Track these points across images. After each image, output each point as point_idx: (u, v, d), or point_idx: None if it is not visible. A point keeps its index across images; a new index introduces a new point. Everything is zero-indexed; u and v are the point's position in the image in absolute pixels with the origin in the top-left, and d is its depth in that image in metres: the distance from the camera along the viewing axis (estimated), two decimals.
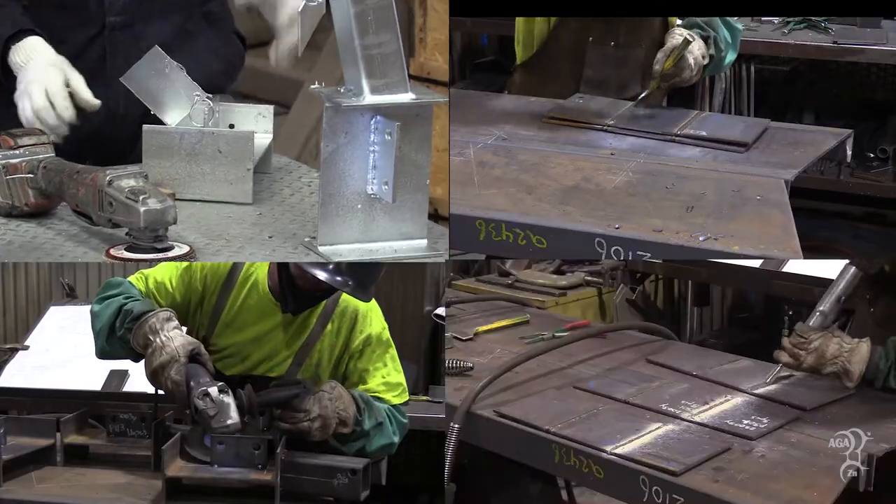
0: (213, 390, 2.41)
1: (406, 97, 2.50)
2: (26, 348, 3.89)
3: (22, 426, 2.67)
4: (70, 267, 5.00)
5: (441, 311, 3.92)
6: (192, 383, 2.43)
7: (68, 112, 2.79)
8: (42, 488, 2.44)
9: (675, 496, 2.17)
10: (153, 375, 2.49)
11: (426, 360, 4.04)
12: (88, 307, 2.70)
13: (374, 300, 2.77)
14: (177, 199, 2.62)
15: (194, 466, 2.44)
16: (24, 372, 3.80)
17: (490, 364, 2.85)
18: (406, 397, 2.79)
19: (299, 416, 2.52)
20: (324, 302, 2.72)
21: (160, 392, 2.52)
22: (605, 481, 2.30)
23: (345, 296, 2.72)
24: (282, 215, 2.74)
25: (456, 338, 3.12)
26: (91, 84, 2.86)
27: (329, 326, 2.73)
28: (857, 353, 2.52)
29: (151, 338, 2.48)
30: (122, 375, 3.64)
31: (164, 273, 2.71)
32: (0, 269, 5.12)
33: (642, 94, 3.16)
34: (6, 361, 3.80)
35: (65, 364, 3.78)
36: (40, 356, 3.87)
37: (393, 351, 2.80)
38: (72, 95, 2.82)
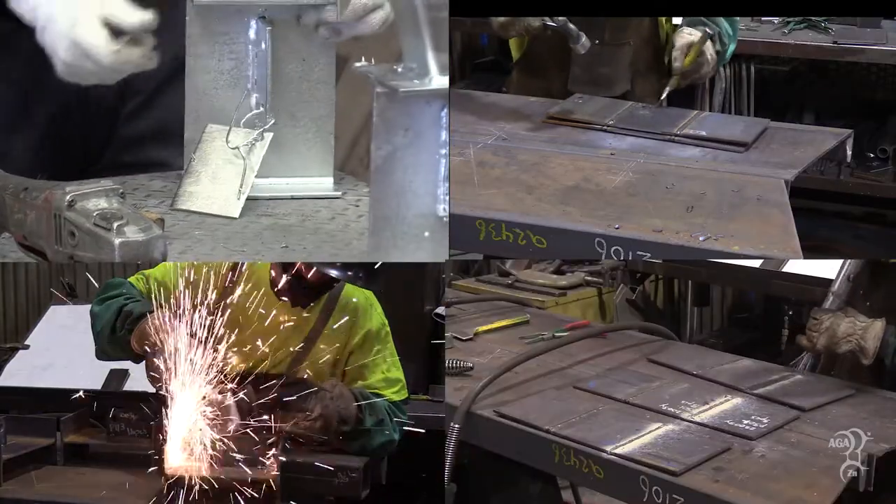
0: (214, 395, 2.42)
1: None
2: (27, 347, 3.89)
3: (22, 425, 2.67)
4: (70, 266, 5.00)
5: (441, 310, 3.92)
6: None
7: (108, 58, 2.17)
8: (42, 488, 2.44)
9: (675, 496, 2.17)
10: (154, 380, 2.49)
11: (426, 359, 4.04)
12: (89, 307, 2.71)
13: (374, 297, 2.77)
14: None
15: (195, 466, 2.44)
16: (25, 371, 3.80)
17: (490, 364, 2.85)
18: (405, 394, 2.79)
19: (301, 416, 2.53)
20: (324, 298, 2.72)
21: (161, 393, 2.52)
22: (605, 481, 2.30)
23: (345, 292, 2.73)
24: (316, 249, 2.34)
25: (456, 338, 3.12)
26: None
27: (329, 322, 2.73)
28: (871, 329, 2.56)
29: (152, 339, 2.48)
30: (122, 375, 3.65)
31: (165, 272, 2.70)
32: (0, 269, 5.13)
33: (664, 94, 3.17)
34: (6, 361, 3.80)
35: (65, 363, 3.78)
36: (40, 355, 3.87)
37: (392, 347, 2.80)
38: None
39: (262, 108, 2.47)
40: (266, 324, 2.69)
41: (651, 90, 3.28)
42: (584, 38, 3.03)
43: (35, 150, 2.63)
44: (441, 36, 1.84)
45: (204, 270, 2.70)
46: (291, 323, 2.71)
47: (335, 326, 2.73)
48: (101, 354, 2.66)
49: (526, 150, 2.89)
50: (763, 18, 4.76)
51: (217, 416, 2.40)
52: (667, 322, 4.54)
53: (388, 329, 2.81)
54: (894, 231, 4.92)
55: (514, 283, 4.81)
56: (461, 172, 2.72)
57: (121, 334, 2.56)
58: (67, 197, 1.90)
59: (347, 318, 2.74)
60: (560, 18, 2.98)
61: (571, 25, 3.01)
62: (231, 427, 2.41)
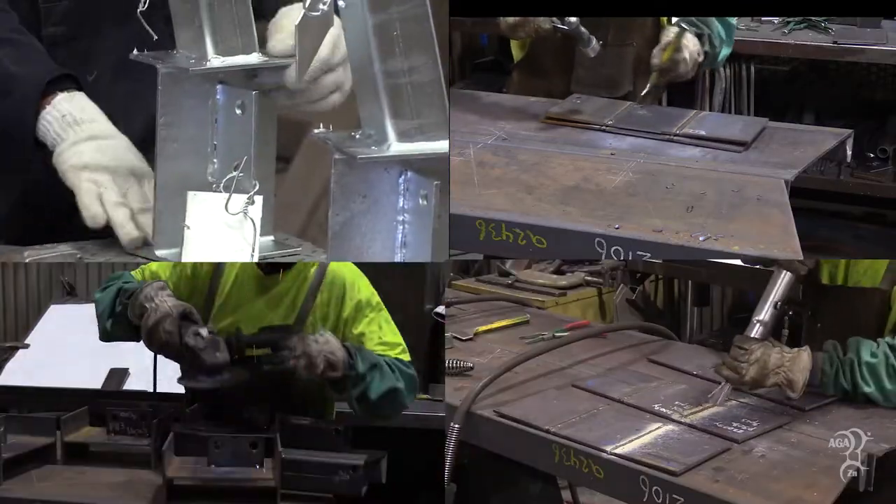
0: (203, 331, 2.52)
1: (448, 145, 1.90)
2: (27, 346, 3.90)
3: (22, 424, 2.67)
4: (70, 266, 5.01)
5: (441, 309, 3.93)
6: (183, 329, 2.53)
7: (134, 236, 2.48)
8: (42, 487, 2.44)
9: (675, 496, 2.17)
10: (149, 335, 2.56)
11: (426, 359, 4.04)
12: (88, 306, 2.79)
13: (360, 272, 2.80)
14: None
15: (194, 467, 2.44)
16: (25, 370, 3.81)
17: (490, 364, 2.85)
18: (408, 357, 2.80)
19: (284, 355, 2.56)
20: (311, 275, 2.76)
21: (156, 351, 2.61)
22: (605, 481, 2.30)
23: (331, 267, 2.78)
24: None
25: (456, 338, 3.12)
26: None
27: (319, 298, 2.77)
28: (798, 361, 2.48)
29: (147, 304, 2.56)
30: (122, 375, 3.65)
31: (160, 265, 2.77)
32: (0, 269, 5.13)
33: (644, 92, 3.17)
34: (6, 360, 3.80)
35: (65, 362, 3.78)
36: (40, 354, 3.87)
37: (386, 314, 2.82)
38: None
39: (242, 174, 2.47)
40: (259, 302, 2.76)
41: (657, 91, 3.27)
42: (594, 42, 3.02)
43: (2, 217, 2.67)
44: (402, 99, 1.84)
45: (193, 262, 2.76)
46: (283, 300, 2.76)
47: (324, 300, 2.77)
48: (104, 335, 2.74)
49: (526, 150, 2.89)
50: (763, 18, 4.76)
51: (207, 350, 2.49)
52: (667, 322, 4.53)
53: (379, 298, 2.82)
54: (894, 231, 4.92)
55: (514, 283, 4.81)
56: (461, 172, 2.72)
57: (119, 310, 2.64)
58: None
59: (336, 291, 2.77)
60: (572, 21, 2.97)
61: (583, 29, 3.00)
62: (220, 361, 2.49)
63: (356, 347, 2.67)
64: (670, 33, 3.12)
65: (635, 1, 3.01)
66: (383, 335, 2.78)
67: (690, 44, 3.14)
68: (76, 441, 2.71)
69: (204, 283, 2.78)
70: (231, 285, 2.77)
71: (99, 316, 2.72)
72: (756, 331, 2.54)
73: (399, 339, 2.81)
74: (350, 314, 2.77)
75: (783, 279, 2.59)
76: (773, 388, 2.52)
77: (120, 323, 2.66)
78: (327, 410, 2.85)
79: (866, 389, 2.50)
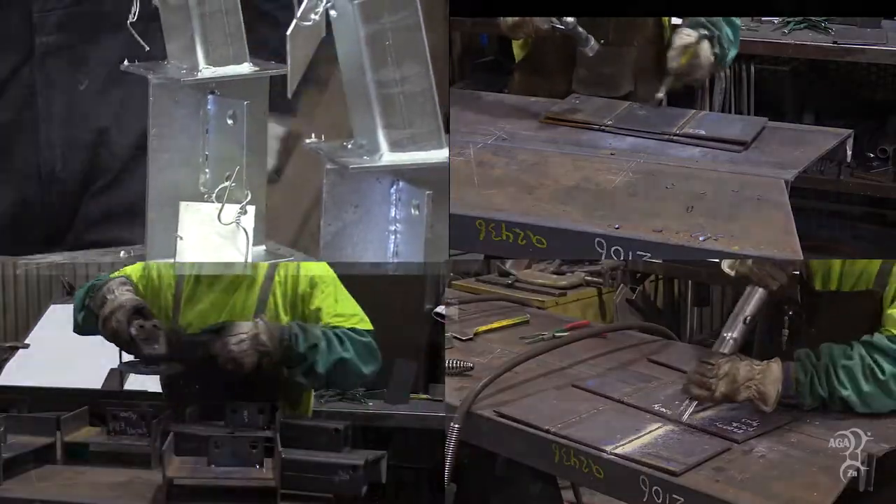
0: (148, 324, 2.69)
1: (441, 154, 1.89)
2: (26, 346, 3.89)
3: (22, 424, 2.67)
4: (70, 265, 5.00)
5: (441, 309, 3.93)
6: (130, 321, 2.70)
7: None
8: (42, 487, 2.44)
9: (675, 496, 2.17)
10: (103, 324, 2.72)
11: (426, 359, 4.04)
12: None
13: None
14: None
15: (194, 467, 2.44)
16: (25, 370, 3.81)
17: (490, 364, 2.85)
18: (368, 325, 2.85)
19: (214, 360, 2.69)
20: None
21: (109, 339, 2.76)
22: (605, 481, 2.30)
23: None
24: None
25: (456, 338, 3.12)
26: (16, 134, 2.47)
27: (276, 278, 2.85)
28: (769, 373, 2.44)
29: (107, 296, 2.72)
30: (122, 374, 3.65)
31: (133, 266, 2.86)
32: (0, 269, 5.12)
33: (658, 95, 3.17)
34: (6, 360, 3.80)
35: (65, 362, 3.78)
36: (40, 354, 3.87)
37: (340, 287, 2.87)
38: None
39: (234, 184, 2.46)
40: (220, 290, 2.85)
41: (654, 91, 3.28)
42: (592, 41, 3.03)
43: None
44: (394, 108, 1.85)
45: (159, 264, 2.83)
46: (242, 285, 2.83)
47: (281, 279, 2.85)
48: (76, 328, 2.90)
49: (526, 150, 2.89)
50: (763, 18, 4.75)
51: (147, 341, 2.68)
52: (667, 322, 4.53)
53: (333, 274, 2.87)
54: (894, 231, 4.92)
55: (514, 283, 4.81)
56: (461, 172, 2.72)
57: (87, 303, 2.79)
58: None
59: (291, 269, 2.84)
60: (570, 21, 2.98)
61: (580, 29, 3.01)
62: (157, 351, 2.68)
63: (301, 327, 2.74)
64: (688, 37, 3.12)
65: (635, 1, 3.01)
66: (338, 307, 2.84)
67: (706, 48, 3.14)
68: (76, 441, 2.71)
69: (169, 283, 2.87)
70: (194, 277, 2.86)
71: (74, 310, 2.87)
72: (726, 346, 2.52)
73: (355, 309, 2.86)
74: (305, 290, 2.84)
75: (755, 295, 2.59)
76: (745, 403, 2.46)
77: (88, 316, 2.79)
78: (302, 401, 2.92)
79: (843, 393, 2.45)
